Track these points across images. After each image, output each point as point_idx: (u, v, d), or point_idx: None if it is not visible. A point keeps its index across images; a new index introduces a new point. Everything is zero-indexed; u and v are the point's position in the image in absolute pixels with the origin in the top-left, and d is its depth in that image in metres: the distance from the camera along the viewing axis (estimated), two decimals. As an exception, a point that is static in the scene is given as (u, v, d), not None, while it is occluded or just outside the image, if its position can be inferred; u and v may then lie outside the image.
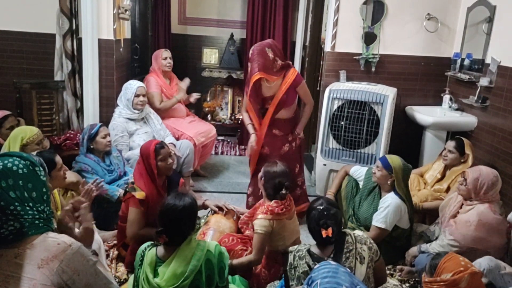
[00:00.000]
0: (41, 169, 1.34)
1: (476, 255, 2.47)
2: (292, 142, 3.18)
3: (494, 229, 2.42)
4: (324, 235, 1.80)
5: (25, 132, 2.75)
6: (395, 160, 2.66)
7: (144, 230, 2.43)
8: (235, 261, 2.27)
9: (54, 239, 1.28)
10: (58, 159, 2.37)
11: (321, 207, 1.87)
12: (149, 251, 1.83)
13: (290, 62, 3.18)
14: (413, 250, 2.63)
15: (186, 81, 4.12)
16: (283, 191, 2.33)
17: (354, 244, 1.88)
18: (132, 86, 3.46)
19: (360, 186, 2.92)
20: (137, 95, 3.43)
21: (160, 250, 1.83)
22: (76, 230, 1.50)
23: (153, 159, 2.45)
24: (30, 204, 1.27)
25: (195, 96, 4.21)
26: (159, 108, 3.79)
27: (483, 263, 2.14)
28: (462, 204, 2.58)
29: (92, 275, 1.33)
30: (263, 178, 2.41)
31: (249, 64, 3.08)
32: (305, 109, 3.22)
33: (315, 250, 1.89)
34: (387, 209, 2.61)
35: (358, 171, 2.97)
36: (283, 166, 2.43)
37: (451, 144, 3.10)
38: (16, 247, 1.25)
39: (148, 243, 1.89)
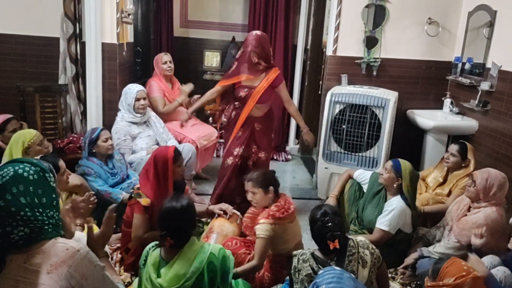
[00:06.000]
0: (51, 175, 1.36)
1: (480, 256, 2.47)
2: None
3: (500, 234, 2.42)
4: (331, 248, 1.81)
5: (25, 136, 2.76)
6: (407, 165, 2.68)
7: (148, 233, 2.45)
8: (239, 269, 2.27)
9: (62, 245, 1.29)
10: (61, 163, 2.39)
11: (325, 218, 1.88)
12: (153, 252, 1.86)
13: (272, 63, 3.23)
14: (414, 254, 2.61)
15: (190, 86, 4.09)
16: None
17: (357, 248, 1.89)
18: (132, 90, 3.43)
19: (364, 190, 2.93)
20: (137, 99, 3.41)
21: (164, 251, 1.85)
22: (73, 227, 1.52)
23: (171, 164, 2.49)
24: (40, 209, 1.28)
25: (196, 97, 4.16)
26: (162, 112, 3.79)
27: (499, 272, 2.08)
28: (470, 207, 2.57)
29: (99, 280, 1.35)
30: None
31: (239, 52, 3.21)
32: (292, 110, 3.35)
33: (318, 254, 1.91)
34: (392, 212, 2.62)
35: (362, 175, 2.97)
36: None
37: (454, 148, 3.10)
38: (25, 253, 1.27)
39: (153, 243, 1.91)
